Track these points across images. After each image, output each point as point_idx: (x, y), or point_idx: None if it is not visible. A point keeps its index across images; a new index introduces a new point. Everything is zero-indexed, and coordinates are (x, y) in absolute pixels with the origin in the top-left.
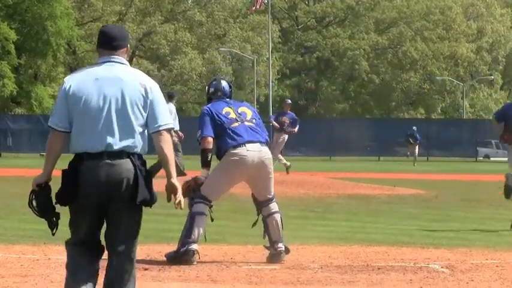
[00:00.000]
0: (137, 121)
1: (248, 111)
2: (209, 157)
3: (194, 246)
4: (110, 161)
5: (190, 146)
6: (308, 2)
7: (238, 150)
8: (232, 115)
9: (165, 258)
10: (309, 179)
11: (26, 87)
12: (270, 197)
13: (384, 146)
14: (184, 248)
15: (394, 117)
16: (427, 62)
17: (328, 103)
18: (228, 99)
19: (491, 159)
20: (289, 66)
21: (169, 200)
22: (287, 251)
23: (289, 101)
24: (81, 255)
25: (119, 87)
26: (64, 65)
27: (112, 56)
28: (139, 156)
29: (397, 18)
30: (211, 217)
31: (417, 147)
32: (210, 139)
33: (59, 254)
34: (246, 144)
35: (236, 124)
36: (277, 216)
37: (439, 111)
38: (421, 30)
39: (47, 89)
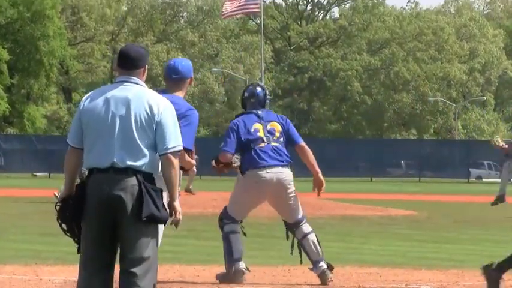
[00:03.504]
0: (143, 141)
1: (277, 127)
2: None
3: (241, 265)
4: (114, 175)
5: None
6: (300, 23)
7: (259, 172)
8: (261, 133)
9: (216, 279)
10: (301, 200)
11: (18, 107)
12: (300, 218)
13: (376, 167)
14: (233, 269)
15: (386, 137)
16: (420, 82)
17: (320, 123)
18: (260, 111)
19: (484, 180)
20: (281, 86)
21: (170, 216)
22: (330, 268)
23: None
24: (92, 274)
25: (126, 107)
26: (57, 85)
27: (128, 77)
28: (148, 174)
29: (390, 38)
30: (243, 233)
31: None
32: (229, 155)
33: (50, 275)
34: (267, 168)
35: (262, 145)
36: (312, 236)
37: (432, 132)
38: (414, 51)
39: (39, 109)
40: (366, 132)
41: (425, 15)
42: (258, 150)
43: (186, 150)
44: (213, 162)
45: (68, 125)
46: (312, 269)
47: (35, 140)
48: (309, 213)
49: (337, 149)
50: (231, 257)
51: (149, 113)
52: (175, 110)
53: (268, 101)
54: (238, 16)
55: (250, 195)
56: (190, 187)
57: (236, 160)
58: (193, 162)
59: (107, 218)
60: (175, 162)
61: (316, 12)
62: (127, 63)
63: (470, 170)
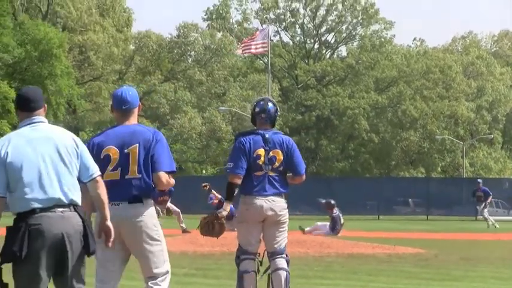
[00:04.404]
0: (74, 174)
1: (279, 156)
2: (235, 192)
3: None
4: (61, 214)
5: (191, 204)
6: (308, 61)
7: (249, 199)
8: (261, 160)
9: None
10: (309, 238)
11: None
12: (279, 249)
13: (384, 205)
14: None
15: (394, 176)
16: (427, 121)
17: (327, 162)
18: (267, 134)
19: (491, 218)
20: (289, 125)
21: (99, 237)
22: None
23: None
24: None
25: (52, 145)
26: (64, 124)
27: (32, 118)
28: (80, 208)
29: (397, 77)
30: (258, 267)
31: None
32: (240, 177)
33: None
34: (260, 196)
35: (259, 173)
36: (284, 274)
37: (439, 170)
38: (421, 89)
39: None
40: (374, 170)
41: (432, 54)
42: (254, 178)
43: (171, 172)
44: (200, 221)
45: None
46: None
47: None
48: (316, 251)
49: (345, 187)
50: None
51: (75, 147)
52: (143, 137)
53: (277, 118)
54: (252, 54)
55: (247, 220)
56: (184, 226)
57: (224, 210)
58: (173, 182)
59: (56, 255)
60: (103, 183)
61: (324, 51)
62: (30, 105)
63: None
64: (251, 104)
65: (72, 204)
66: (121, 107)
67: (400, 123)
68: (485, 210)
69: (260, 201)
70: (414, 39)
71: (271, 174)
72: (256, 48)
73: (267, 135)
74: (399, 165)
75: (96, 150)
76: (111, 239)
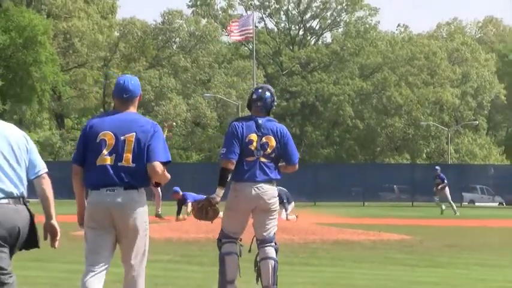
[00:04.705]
0: (24, 169)
1: (271, 142)
2: (228, 177)
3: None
4: (15, 207)
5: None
6: (293, 48)
7: (239, 186)
8: (253, 146)
9: None
10: (294, 225)
11: None
12: (268, 237)
13: (369, 191)
14: None
15: (379, 162)
16: (412, 107)
17: (312, 148)
18: (260, 120)
19: (476, 204)
20: (273, 111)
21: (45, 238)
22: None
23: None
24: None
25: (5, 141)
26: (49, 111)
27: None
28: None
29: (382, 63)
30: (245, 249)
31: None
32: (234, 162)
33: None
34: (250, 182)
35: (251, 159)
36: (272, 262)
37: (424, 156)
38: (406, 76)
39: (32, 135)
40: (359, 156)
41: (417, 40)
42: (245, 164)
43: (167, 163)
44: (193, 206)
45: (61, 150)
46: None
47: None
48: (301, 238)
49: (330, 173)
50: (223, 278)
51: (23, 143)
52: (141, 126)
53: (274, 108)
54: (237, 41)
55: (236, 208)
56: (160, 212)
57: (217, 195)
58: (168, 176)
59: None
60: (49, 181)
61: (309, 38)
62: None
63: (463, 194)
64: (251, 90)
65: (22, 197)
66: (122, 95)
67: (385, 110)
68: (448, 196)
69: (250, 188)
70: (398, 25)
71: (262, 160)
72: (239, 35)
73: (260, 121)
74: (384, 151)
75: (91, 134)
76: (57, 239)
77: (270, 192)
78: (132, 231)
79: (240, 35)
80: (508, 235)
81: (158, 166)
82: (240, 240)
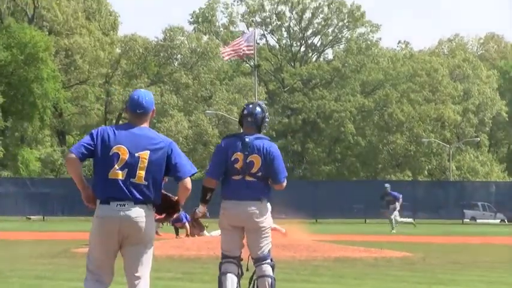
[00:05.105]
0: None
1: (257, 161)
2: (208, 196)
3: None
4: None
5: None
6: (294, 64)
7: (225, 204)
8: (239, 165)
9: None
10: (295, 242)
11: (12, 150)
12: (262, 255)
13: (371, 209)
14: None
15: (380, 179)
16: (414, 124)
17: (314, 165)
18: (247, 138)
19: (478, 221)
20: (275, 128)
21: None
22: None
23: None
24: None
25: None
26: (50, 128)
27: None
28: None
29: (383, 80)
30: (244, 269)
31: (397, 205)
32: (214, 181)
33: None
34: (234, 200)
35: (237, 177)
36: (269, 280)
37: (426, 173)
38: (407, 92)
39: (33, 152)
40: (360, 173)
41: (418, 57)
42: (231, 182)
43: (193, 174)
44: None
45: (63, 167)
46: None
47: (29, 183)
48: (303, 255)
49: (331, 190)
50: None
51: None
52: (156, 144)
53: (266, 125)
54: (234, 58)
55: (225, 226)
56: (156, 228)
57: (198, 211)
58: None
59: None
60: None
61: (310, 54)
62: None
63: (465, 211)
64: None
65: None
66: (136, 110)
67: (387, 127)
68: (397, 213)
69: (236, 206)
70: (399, 42)
71: (248, 179)
72: (239, 52)
73: (247, 140)
74: (386, 168)
75: (105, 145)
76: None
77: (257, 210)
78: (140, 245)
79: (241, 52)
80: (510, 252)
81: (189, 183)
82: (241, 260)
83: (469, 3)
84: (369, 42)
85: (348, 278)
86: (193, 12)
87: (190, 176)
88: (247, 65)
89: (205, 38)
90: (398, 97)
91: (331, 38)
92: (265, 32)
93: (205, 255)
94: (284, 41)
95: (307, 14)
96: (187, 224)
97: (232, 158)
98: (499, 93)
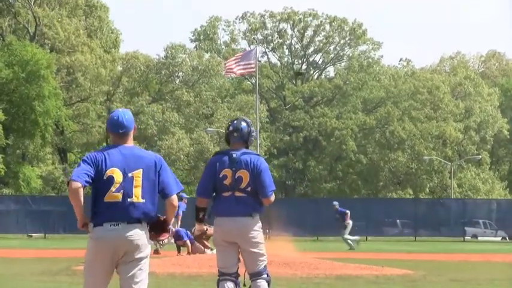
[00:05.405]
0: None
1: (245, 176)
2: (200, 215)
3: None
4: None
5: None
6: (296, 82)
7: (217, 221)
8: (228, 181)
9: None
10: (297, 259)
11: (13, 167)
12: (257, 270)
13: (372, 226)
14: None
15: (382, 196)
16: (415, 141)
17: (315, 183)
18: (235, 154)
19: (479, 238)
20: (276, 146)
21: None
22: None
23: None
24: None
25: None
26: (52, 145)
27: None
28: None
29: (385, 97)
30: (241, 285)
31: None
32: (205, 200)
33: None
34: (225, 217)
35: (226, 194)
36: None
37: (427, 190)
38: (409, 110)
39: (34, 170)
40: (362, 191)
41: (420, 74)
42: (222, 198)
43: (180, 191)
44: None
45: (64, 185)
46: None
47: (30, 200)
48: (304, 272)
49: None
50: None
51: None
52: (146, 161)
53: (253, 139)
54: (236, 75)
55: (218, 242)
56: (157, 246)
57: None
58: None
59: None
60: None
61: (311, 72)
62: None
63: (466, 228)
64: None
65: None
66: (118, 130)
67: (388, 144)
68: (345, 231)
69: (227, 222)
70: (400, 59)
71: (238, 194)
72: (241, 69)
73: (234, 156)
74: (387, 186)
75: (98, 169)
76: None
77: (249, 225)
78: (135, 262)
79: (242, 69)
80: (511, 270)
81: (175, 200)
82: (238, 277)
83: (471, 21)
84: (370, 60)
85: None
86: (195, 29)
87: (176, 194)
88: (248, 82)
89: (206, 55)
90: (400, 115)
91: (332, 55)
92: (267, 50)
93: (206, 272)
94: (286, 59)
95: (309, 32)
96: (188, 242)
97: (221, 175)
98: (501, 110)
